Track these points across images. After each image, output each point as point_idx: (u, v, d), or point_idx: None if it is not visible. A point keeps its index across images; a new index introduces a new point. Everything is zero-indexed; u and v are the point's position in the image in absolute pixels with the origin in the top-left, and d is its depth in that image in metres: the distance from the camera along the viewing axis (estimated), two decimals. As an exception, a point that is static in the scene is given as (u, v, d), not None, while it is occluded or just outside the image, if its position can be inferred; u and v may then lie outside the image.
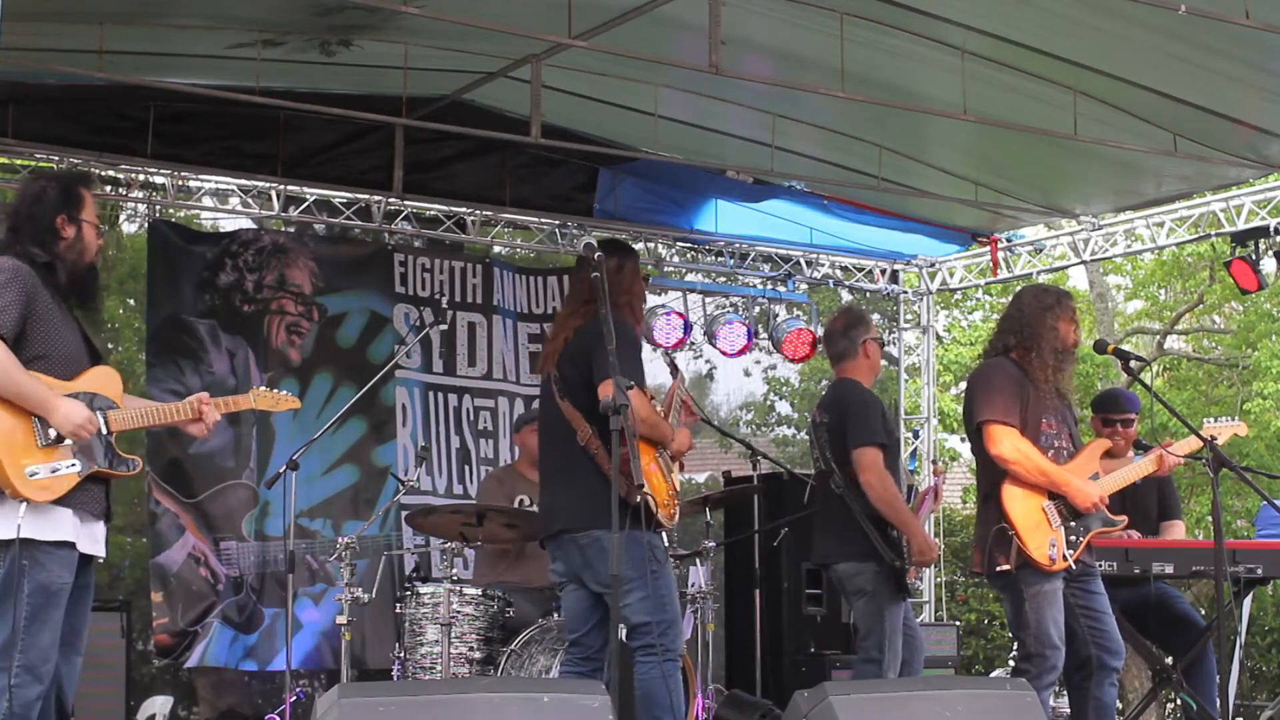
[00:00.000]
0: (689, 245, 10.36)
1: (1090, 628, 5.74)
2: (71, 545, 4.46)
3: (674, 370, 6.13)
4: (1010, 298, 6.30)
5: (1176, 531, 7.09)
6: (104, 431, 4.56)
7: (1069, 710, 5.97)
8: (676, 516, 5.53)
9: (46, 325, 4.49)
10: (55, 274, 4.58)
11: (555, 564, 5.52)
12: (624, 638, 5.18)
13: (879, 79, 7.50)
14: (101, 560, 4.68)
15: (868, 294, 11.92)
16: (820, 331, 9.08)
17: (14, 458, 4.35)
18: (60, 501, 4.43)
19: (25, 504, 4.33)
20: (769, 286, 10.52)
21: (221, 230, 9.46)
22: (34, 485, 4.37)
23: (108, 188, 8.59)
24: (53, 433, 4.44)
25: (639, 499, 5.12)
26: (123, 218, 13.17)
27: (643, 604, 5.19)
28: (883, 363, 6.83)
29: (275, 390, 5.27)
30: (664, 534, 5.46)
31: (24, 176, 8.14)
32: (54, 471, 4.42)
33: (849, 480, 6.11)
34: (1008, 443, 5.67)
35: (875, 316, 16.70)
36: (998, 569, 5.67)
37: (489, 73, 8.08)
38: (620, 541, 4.79)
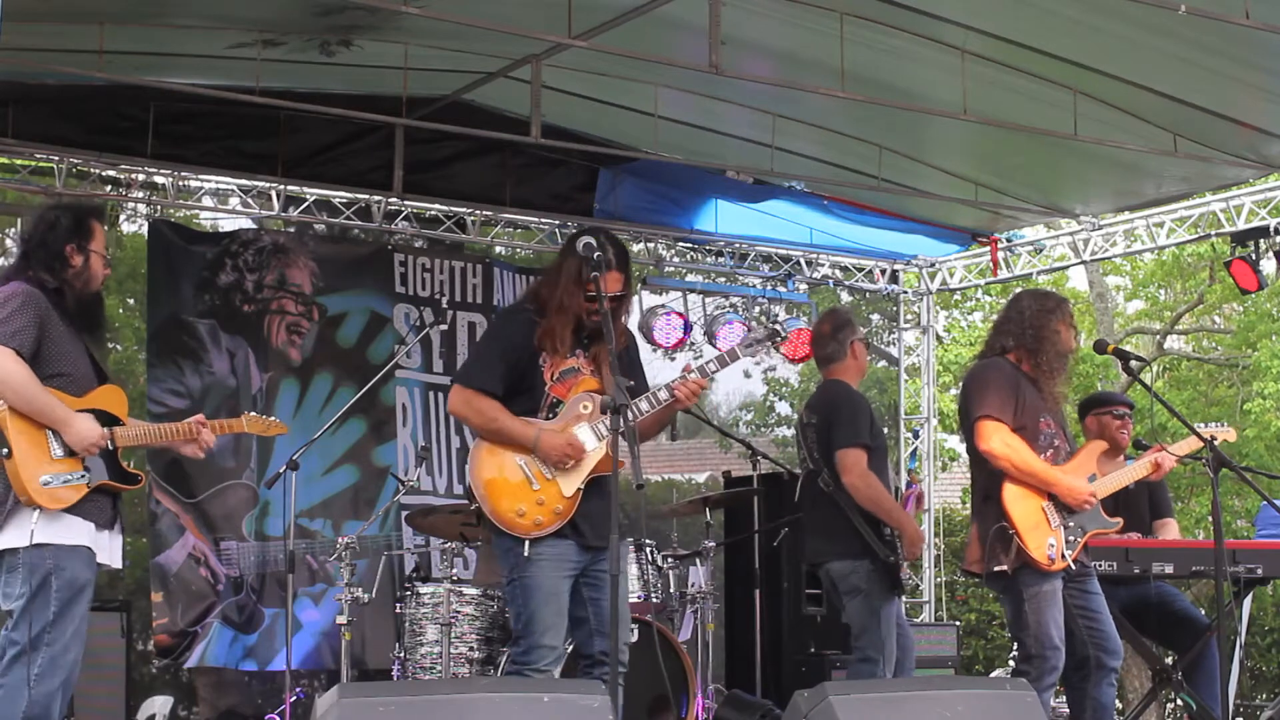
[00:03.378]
0: (689, 245, 10.35)
1: (1088, 628, 5.74)
2: (89, 549, 4.74)
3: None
4: (1006, 300, 6.32)
5: (1170, 530, 7.10)
6: (110, 447, 4.83)
7: (1069, 710, 5.98)
8: (551, 524, 4.90)
9: (59, 346, 4.77)
10: (64, 299, 4.86)
11: None
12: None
13: (879, 79, 7.49)
14: (117, 569, 4.98)
15: (868, 294, 11.91)
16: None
17: (30, 467, 4.66)
18: (72, 510, 4.71)
19: (39, 511, 4.64)
20: (769, 286, 10.51)
21: (221, 230, 9.46)
22: (47, 493, 4.66)
23: (108, 188, 8.59)
24: (64, 446, 4.73)
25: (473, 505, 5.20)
26: (123, 218, 13.19)
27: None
28: (882, 363, 6.85)
29: (265, 417, 5.57)
30: (526, 542, 4.89)
31: (24, 176, 8.16)
32: (65, 482, 4.71)
33: (837, 479, 6.14)
34: (997, 438, 5.68)
35: (875, 316, 16.80)
36: (996, 569, 5.67)
37: (489, 73, 8.08)
38: (617, 546, 4.56)
